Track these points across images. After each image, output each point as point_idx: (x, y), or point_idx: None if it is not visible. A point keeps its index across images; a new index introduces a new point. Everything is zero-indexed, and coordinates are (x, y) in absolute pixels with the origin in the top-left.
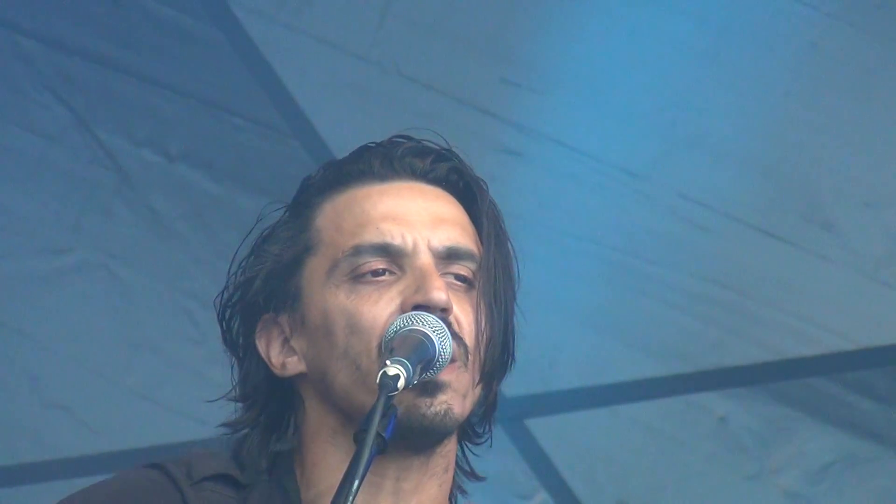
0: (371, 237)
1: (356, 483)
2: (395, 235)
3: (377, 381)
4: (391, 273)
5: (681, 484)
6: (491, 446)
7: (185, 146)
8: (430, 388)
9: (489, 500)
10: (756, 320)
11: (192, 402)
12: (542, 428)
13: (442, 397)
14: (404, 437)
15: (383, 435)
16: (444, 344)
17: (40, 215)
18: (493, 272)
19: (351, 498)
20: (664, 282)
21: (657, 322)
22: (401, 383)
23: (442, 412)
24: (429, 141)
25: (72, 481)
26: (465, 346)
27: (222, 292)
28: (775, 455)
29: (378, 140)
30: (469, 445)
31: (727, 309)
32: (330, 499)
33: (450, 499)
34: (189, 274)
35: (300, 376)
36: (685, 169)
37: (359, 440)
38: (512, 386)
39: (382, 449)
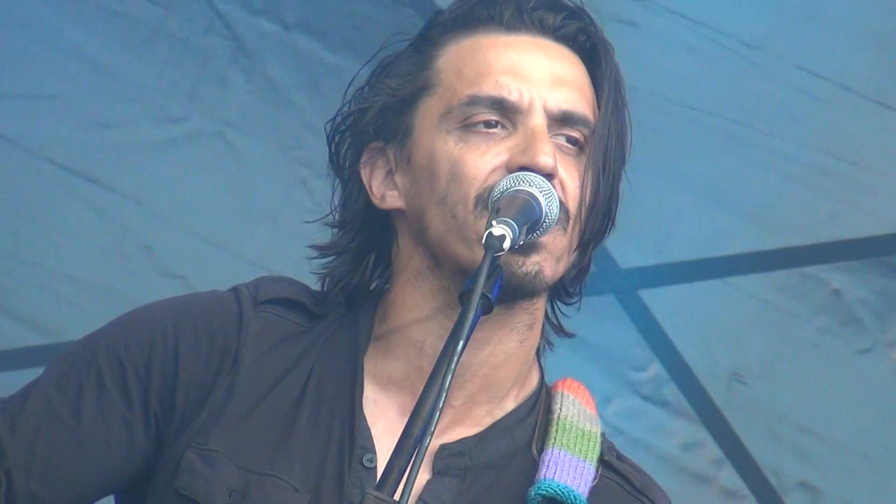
0: (488, 89)
1: (461, 344)
2: (513, 91)
3: (483, 241)
4: (503, 127)
5: (794, 356)
6: (579, 309)
7: (301, 15)
8: (524, 247)
9: (605, 371)
10: (871, 192)
11: (307, 271)
12: (656, 299)
13: (535, 258)
14: None
15: (489, 296)
16: (550, 205)
17: (156, 83)
18: (606, 139)
19: (456, 359)
20: (779, 153)
21: (772, 194)
22: (506, 244)
23: (533, 273)
24: None
25: None
26: (567, 211)
27: (335, 116)
28: (890, 328)
29: None
30: (562, 306)
31: (842, 181)
32: (399, 337)
33: (537, 356)
34: (304, 143)
35: (397, 212)
36: (801, 40)
37: (464, 300)
38: (627, 257)
39: (488, 310)
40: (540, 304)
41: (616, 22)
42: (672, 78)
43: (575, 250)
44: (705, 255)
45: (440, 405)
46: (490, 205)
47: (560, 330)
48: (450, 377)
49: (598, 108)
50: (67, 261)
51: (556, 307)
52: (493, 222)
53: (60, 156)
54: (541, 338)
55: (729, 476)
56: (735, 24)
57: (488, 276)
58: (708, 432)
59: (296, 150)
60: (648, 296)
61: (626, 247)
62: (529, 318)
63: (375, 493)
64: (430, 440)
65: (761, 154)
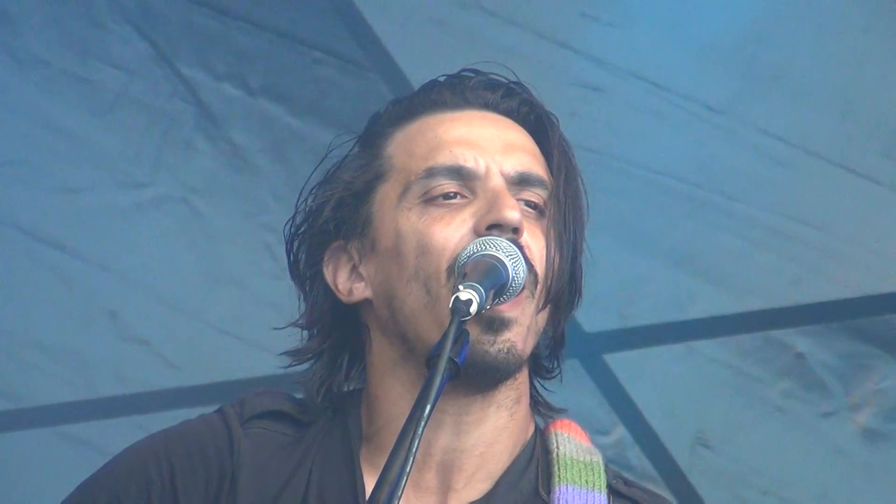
0: (444, 159)
1: (428, 408)
2: (468, 158)
3: (450, 305)
4: (462, 197)
5: (758, 420)
6: (561, 381)
7: (266, 80)
8: (494, 324)
9: None
10: (835, 256)
11: (272, 337)
12: (620, 363)
13: (506, 335)
14: (466, 373)
15: (456, 360)
16: (517, 269)
17: (121, 149)
18: (563, 202)
19: (423, 423)
20: (743, 217)
21: (736, 258)
22: (473, 308)
23: (505, 350)
24: (498, 75)
25: (152, 415)
26: (535, 274)
27: (291, 220)
28: (853, 392)
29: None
30: (542, 382)
31: (806, 245)
32: (390, 432)
33: (537, 424)
34: (269, 208)
35: (366, 304)
36: (765, 104)
37: (431, 365)
38: (590, 321)
39: (455, 375)
40: (522, 378)
41: (580, 86)
42: (636, 142)
43: (541, 311)
44: (669, 319)
45: (407, 470)
46: (457, 269)
47: (549, 409)
48: (417, 442)
49: (552, 174)
50: (33, 326)
51: (536, 386)
52: (460, 286)
53: (25, 222)
54: (533, 406)
55: None
56: (699, 88)
57: (455, 341)
58: (673, 495)
59: (260, 216)
60: (612, 360)
61: (589, 311)
62: (514, 392)
63: None
64: None
65: (725, 218)
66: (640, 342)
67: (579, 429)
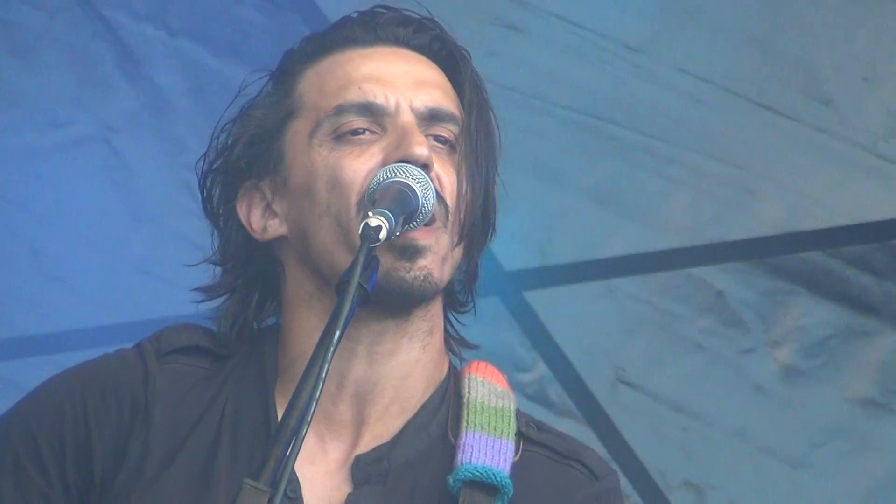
0: (354, 97)
1: (337, 334)
2: (378, 95)
3: (359, 231)
4: (372, 133)
5: (678, 357)
6: (475, 315)
7: (186, 21)
8: (409, 252)
9: None
10: (754, 194)
11: (192, 275)
12: (541, 301)
13: (421, 262)
14: (383, 300)
15: (366, 286)
16: (426, 195)
17: (41, 89)
18: (475, 137)
19: (332, 348)
20: (662, 156)
21: (655, 196)
22: (383, 234)
23: (421, 277)
24: (411, 11)
25: (72, 353)
26: (446, 206)
27: (203, 157)
28: (773, 329)
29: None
30: (458, 318)
31: (725, 183)
32: (304, 364)
33: (448, 347)
34: (189, 147)
35: (281, 240)
36: (684, 43)
37: (340, 291)
38: (510, 259)
39: (365, 301)
40: (436, 311)
41: (499, 25)
42: (555, 81)
43: (457, 245)
44: (589, 256)
45: (317, 395)
46: (367, 196)
47: (462, 343)
48: (326, 367)
49: (463, 109)
50: None
51: (451, 319)
52: (370, 213)
53: None
54: (447, 340)
55: None
56: (618, 27)
57: (365, 268)
58: (593, 432)
59: (180, 155)
60: (533, 297)
61: (510, 249)
62: (427, 324)
63: (252, 482)
64: (306, 430)
65: (644, 156)
66: (560, 280)
67: (496, 371)
